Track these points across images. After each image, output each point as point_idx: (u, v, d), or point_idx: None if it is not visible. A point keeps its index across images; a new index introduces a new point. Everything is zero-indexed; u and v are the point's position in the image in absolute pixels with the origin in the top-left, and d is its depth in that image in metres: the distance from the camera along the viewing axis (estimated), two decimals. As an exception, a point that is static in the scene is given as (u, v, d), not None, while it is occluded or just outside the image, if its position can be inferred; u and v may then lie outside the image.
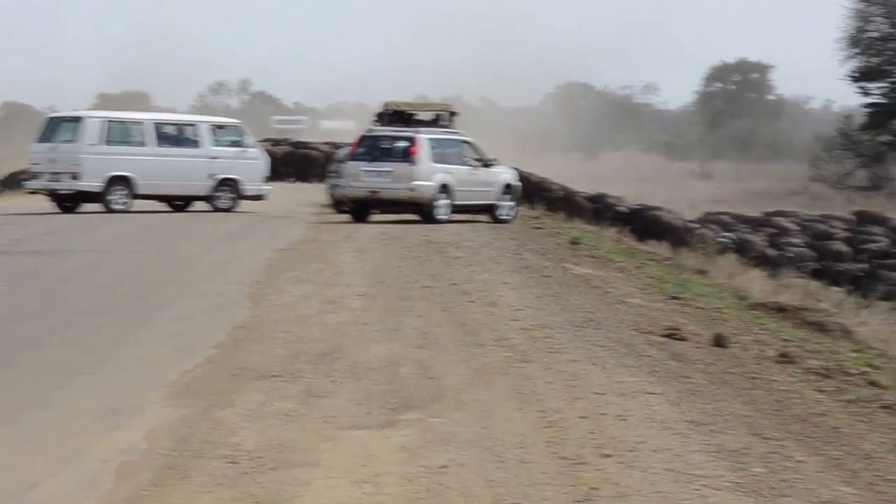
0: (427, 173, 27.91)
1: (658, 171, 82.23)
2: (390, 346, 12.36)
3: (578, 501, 7.77)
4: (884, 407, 11.72)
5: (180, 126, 31.56)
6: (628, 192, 49.39)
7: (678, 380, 11.50)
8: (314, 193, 37.43)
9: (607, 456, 8.70)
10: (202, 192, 30.95)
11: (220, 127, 31.91)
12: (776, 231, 42.82)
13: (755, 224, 43.65)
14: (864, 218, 53.83)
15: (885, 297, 27.03)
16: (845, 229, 44.64)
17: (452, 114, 30.35)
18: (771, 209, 56.36)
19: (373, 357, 11.79)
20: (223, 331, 12.96)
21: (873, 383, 13.05)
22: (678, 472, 8.46)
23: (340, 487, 7.84)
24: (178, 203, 31.39)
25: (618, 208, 35.99)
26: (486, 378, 11.01)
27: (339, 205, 30.54)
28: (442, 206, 28.06)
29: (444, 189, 28.11)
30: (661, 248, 31.79)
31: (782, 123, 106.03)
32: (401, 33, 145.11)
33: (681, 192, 65.45)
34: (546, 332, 13.34)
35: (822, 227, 45.33)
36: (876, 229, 47.28)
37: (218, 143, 31.07)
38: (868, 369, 14.12)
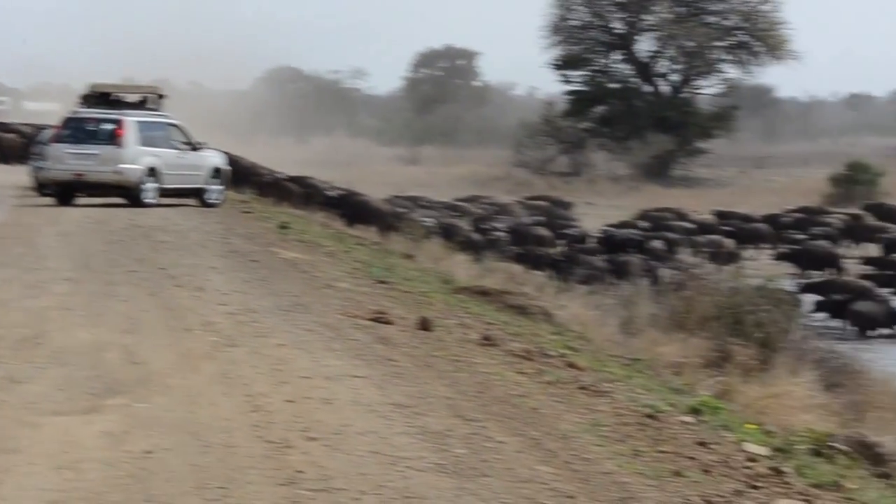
0: (133, 156, 27.47)
1: (367, 156, 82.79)
2: (95, 331, 12.16)
3: (283, 485, 7.83)
4: (581, 388, 12.09)
5: None
6: (338, 177, 49.59)
7: (384, 363, 11.64)
8: (16, 176, 36.38)
9: (313, 439, 8.77)
10: None
11: (-84, 106, 30.75)
12: (471, 215, 43.75)
13: (444, 208, 44.46)
14: (556, 204, 55.63)
15: (584, 281, 27.85)
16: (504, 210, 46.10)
17: (160, 96, 29.92)
18: (476, 194, 57.54)
19: (77, 342, 11.59)
20: (-82, 317, 12.55)
21: (571, 365, 13.43)
22: (382, 454, 8.60)
23: (41, 474, 7.71)
24: None
25: (327, 193, 36.07)
26: (193, 363, 10.96)
27: (42, 188, 29.73)
28: (149, 189, 27.65)
29: (152, 172, 27.70)
30: (369, 233, 32.03)
31: (488, 110, 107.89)
32: (106, 13, 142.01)
33: (389, 176, 66.11)
34: (253, 316, 13.33)
35: (509, 212, 46.69)
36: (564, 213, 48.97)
37: (-87, 123, 29.94)
38: (567, 351, 14.54)
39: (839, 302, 34.20)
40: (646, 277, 27.19)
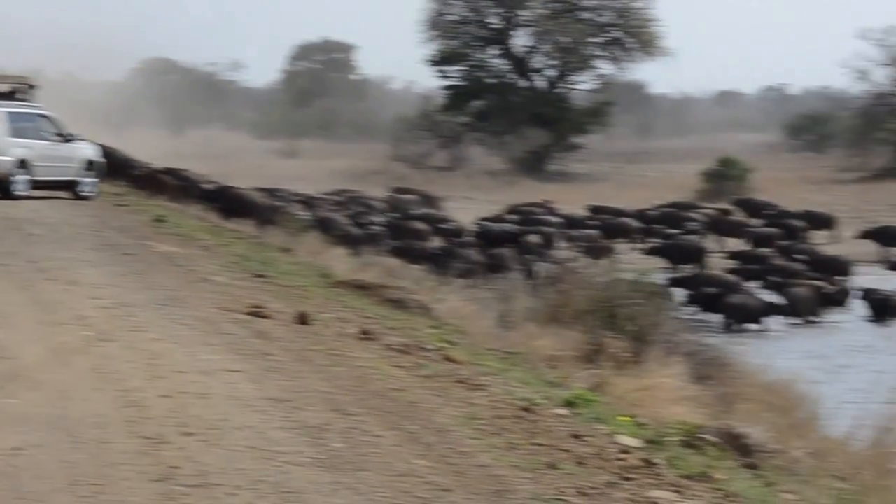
0: (3, 148, 27.07)
1: (244, 149, 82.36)
2: (-36, 326, 11.98)
3: (158, 481, 7.78)
4: (458, 381, 12.15)
5: None
6: (214, 170, 49.23)
7: (261, 357, 11.61)
8: None
9: (188, 434, 8.73)
10: None
11: None
12: (350, 209, 43.76)
13: (302, 201, 44.31)
14: (425, 198, 55.88)
15: (461, 275, 27.97)
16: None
17: (31, 87, 29.50)
18: (355, 187, 57.50)
19: (-55, 338, 11.40)
20: None
21: (449, 359, 13.48)
22: (259, 449, 8.58)
23: None
24: None
25: (203, 186, 35.79)
26: (65, 357, 10.83)
27: None
28: (20, 181, 27.26)
29: (23, 164, 27.31)
30: (246, 227, 31.83)
31: (366, 103, 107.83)
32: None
33: (266, 170, 65.80)
34: (128, 310, 13.21)
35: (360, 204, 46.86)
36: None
37: None
38: (444, 345, 14.58)
39: (709, 295, 34.68)
40: (522, 271, 27.37)
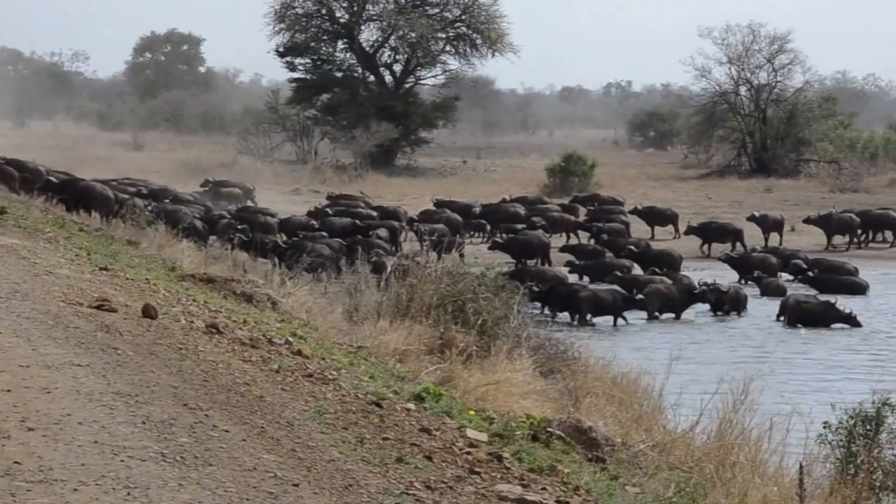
0: None
1: (90, 141, 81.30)
2: None
3: (0, 477, 7.66)
4: (307, 376, 12.14)
5: None
6: (59, 161, 48.53)
7: (106, 351, 11.46)
8: None
9: (31, 430, 8.61)
10: None
11: None
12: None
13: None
14: (245, 190, 55.82)
15: (309, 269, 27.90)
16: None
17: None
18: (203, 180, 57.05)
19: None
20: None
21: (297, 352, 13.45)
22: (103, 444, 8.49)
23: None
24: None
25: (48, 178, 35.23)
26: None
27: None
28: None
29: None
30: (92, 219, 31.41)
31: (213, 96, 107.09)
32: None
33: (112, 162, 65.05)
34: (-31, 304, 12.97)
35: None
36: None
37: None
38: (292, 339, 14.55)
39: (542, 291, 34.76)
40: (369, 265, 27.33)
